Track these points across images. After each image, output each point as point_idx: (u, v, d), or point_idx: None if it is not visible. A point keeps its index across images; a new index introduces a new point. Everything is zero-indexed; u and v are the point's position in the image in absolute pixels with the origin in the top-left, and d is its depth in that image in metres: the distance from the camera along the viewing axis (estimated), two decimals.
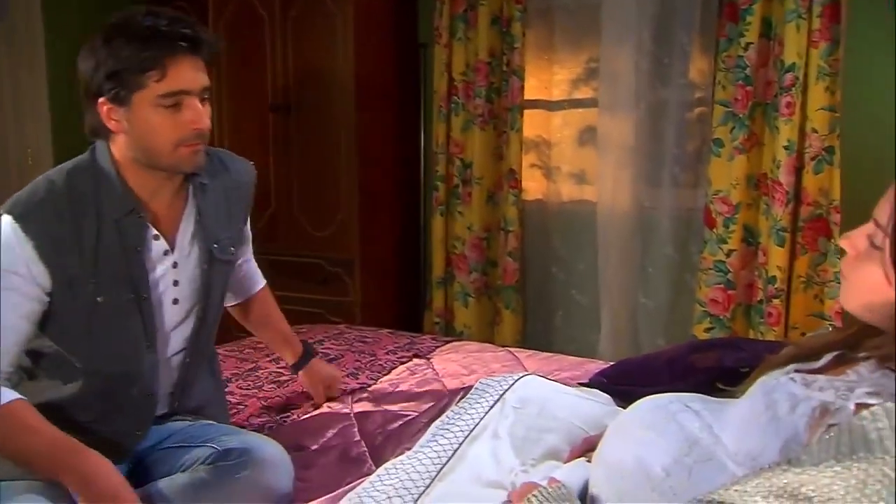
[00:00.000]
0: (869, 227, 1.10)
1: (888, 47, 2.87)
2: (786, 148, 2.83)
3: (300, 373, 2.04)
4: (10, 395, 1.41)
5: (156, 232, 1.54)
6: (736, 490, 0.97)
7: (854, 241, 1.12)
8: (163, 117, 1.44)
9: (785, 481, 0.94)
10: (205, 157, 1.54)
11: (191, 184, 1.59)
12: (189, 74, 1.44)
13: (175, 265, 1.58)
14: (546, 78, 3.59)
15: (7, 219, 1.42)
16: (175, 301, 1.60)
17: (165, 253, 1.56)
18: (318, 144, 3.47)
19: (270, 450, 1.55)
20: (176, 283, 1.59)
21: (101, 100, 1.44)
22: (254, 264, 1.99)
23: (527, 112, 3.48)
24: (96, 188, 1.49)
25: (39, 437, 1.39)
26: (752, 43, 2.90)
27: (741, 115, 2.96)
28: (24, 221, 1.42)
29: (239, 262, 1.87)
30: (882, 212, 1.07)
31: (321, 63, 3.41)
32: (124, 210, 1.50)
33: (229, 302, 1.95)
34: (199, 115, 1.46)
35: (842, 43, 2.79)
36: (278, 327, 2.04)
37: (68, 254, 1.45)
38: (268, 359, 2.39)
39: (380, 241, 3.63)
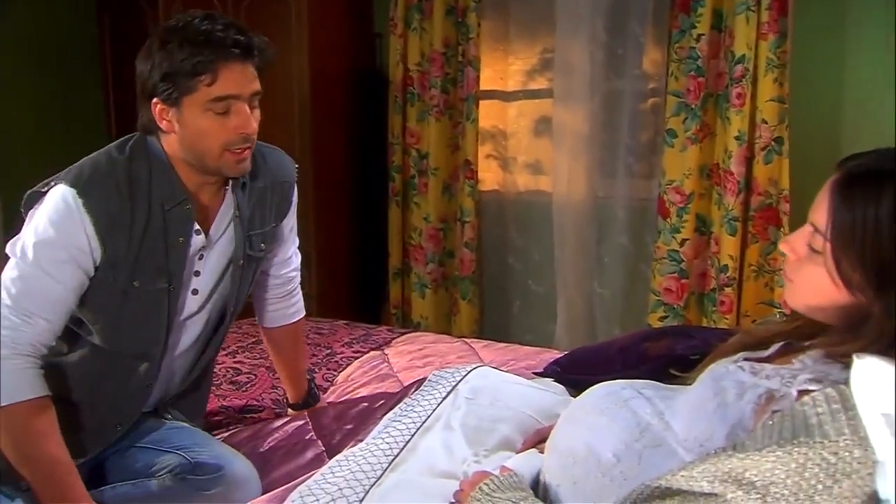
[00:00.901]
0: (807, 231, 1.12)
1: (834, 40, 2.93)
2: (737, 138, 2.87)
3: (290, 410, 2.00)
4: (39, 389, 1.42)
5: (198, 227, 1.57)
6: (683, 475, 0.99)
7: (794, 245, 1.14)
8: (211, 121, 1.46)
9: (730, 466, 0.96)
10: (250, 162, 1.56)
11: (231, 180, 1.61)
12: (239, 80, 1.46)
13: (201, 257, 1.60)
14: (501, 68, 3.59)
15: (71, 192, 1.44)
16: (195, 291, 1.61)
17: (202, 248, 1.59)
18: (272, 135, 3.39)
19: (240, 466, 1.56)
20: (198, 273, 1.61)
21: (154, 100, 1.46)
22: (300, 291, 1.95)
23: (482, 103, 3.48)
24: (150, 176, 1.51)
25: (42, 449, 1.41)
26: (703, 34, 2.94)
27: (693, 106, 2.99)
28: (86, 196, 1.44)
29: (284, 272, 1.86)
30: (818, 215, 1.09)
31: (275, 53, 3.36)
32: (175, 200, 1.52)
33: (267, 324, 1.92)
34: (247, 120, 1.48)
35: (789, 35, 2.84)
36: (296, 365, 1.99)
37: (119, 235, 1.47)
38: (223, 353, 2.36)
39: (336, 233, 3.61)
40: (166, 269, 1.53)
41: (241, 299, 1.72)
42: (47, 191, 1.46)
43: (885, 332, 1.02)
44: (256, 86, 1.50)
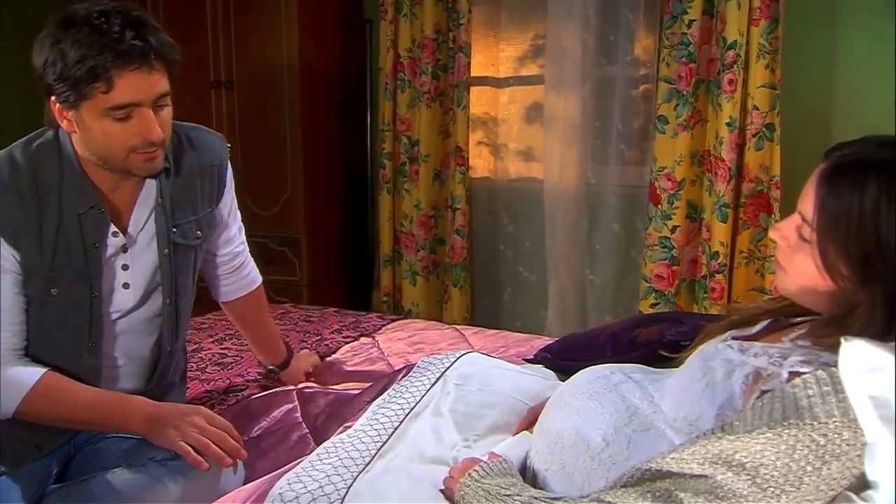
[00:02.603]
0: (796, 220, 1.13)
1: (826, 25, 2.93)
2: (728, 125, 2.87)
3: (282, 373, 2.00)
4: (37, 370, 1.45)
5: (114, 228, 1.51)
6: (673, 457, 0.99)
7: (784, 232, 1.15)
8: (111, 126, 1.37)
9: (720, 448, 0.96)
10: (161, 161, 1.48)
11: None
12: (138, 86, 1.35)
13: (125, 249, 1.54)
14: (492, 55, 3.57)
15: None
16: (126, 286, 1.56)
17: (122, 246, 1.53)
18: (262, 122, 3.41)
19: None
20: (126, 267, 1.55)
21: (52, 98, 1.38)
22: (251, 259, 1.91)
23: (473, 89, 3.46)
24: (59, 178, 1.44)
25: (81, 399, 1.47)
26: (695, 20, 2.92)
27: (685, 93, 2.98)
28: None
29: (229, 250, 1.81)
30: (806, 205, 1.10)
31: (265, 38, 3.34)
32: (86, 205, 1.46)
33: (224, 298, 1.90)
34: (150, 125, 1.39)
35: (781, 21, 2.83)
36: (268, 330, 1.97)
37: (30, 243, 1.42)
38: (210, 339, 2.36)
39: (326, 220, 3.60)
40: (85, 275, 1.48)
41: (188, 287, 1.66)
42: None
43: (872, 323, 1.03)
44: (161, 87, 1.39)
